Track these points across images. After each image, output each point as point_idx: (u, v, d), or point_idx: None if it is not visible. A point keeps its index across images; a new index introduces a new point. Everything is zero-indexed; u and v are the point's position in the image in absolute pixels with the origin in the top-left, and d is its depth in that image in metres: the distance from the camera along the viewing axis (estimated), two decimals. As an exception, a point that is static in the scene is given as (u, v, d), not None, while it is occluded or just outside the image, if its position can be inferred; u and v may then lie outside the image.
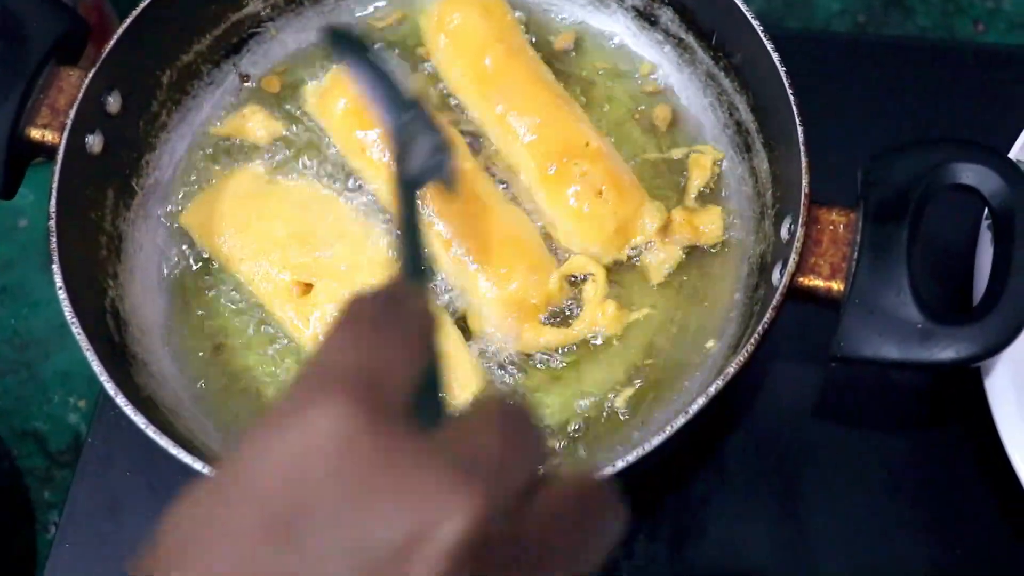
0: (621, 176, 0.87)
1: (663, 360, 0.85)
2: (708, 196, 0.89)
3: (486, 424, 0.43)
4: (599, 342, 0.85)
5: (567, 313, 0.86)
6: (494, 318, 0.85)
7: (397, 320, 0.45)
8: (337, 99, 0.91)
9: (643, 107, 0.93)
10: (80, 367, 0.98)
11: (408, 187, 0.70)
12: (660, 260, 0.87)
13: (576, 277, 0.87)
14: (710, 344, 0.85)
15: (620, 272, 0.87)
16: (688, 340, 0.85)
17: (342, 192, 0.91)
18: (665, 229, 0.87)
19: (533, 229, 0.88)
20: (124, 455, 0.90)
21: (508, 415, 0.44)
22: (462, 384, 0.83)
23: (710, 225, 0.87)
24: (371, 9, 0.98)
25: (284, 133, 0.93)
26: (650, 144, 0.92)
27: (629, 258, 0.87)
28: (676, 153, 0.91)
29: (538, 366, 0.85)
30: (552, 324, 0.86)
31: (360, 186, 0.91)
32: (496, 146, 0.91)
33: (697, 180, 0.89)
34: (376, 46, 0.94)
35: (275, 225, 0.88)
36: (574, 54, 0.96)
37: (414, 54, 0.95)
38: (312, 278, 0.86)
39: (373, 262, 0.86)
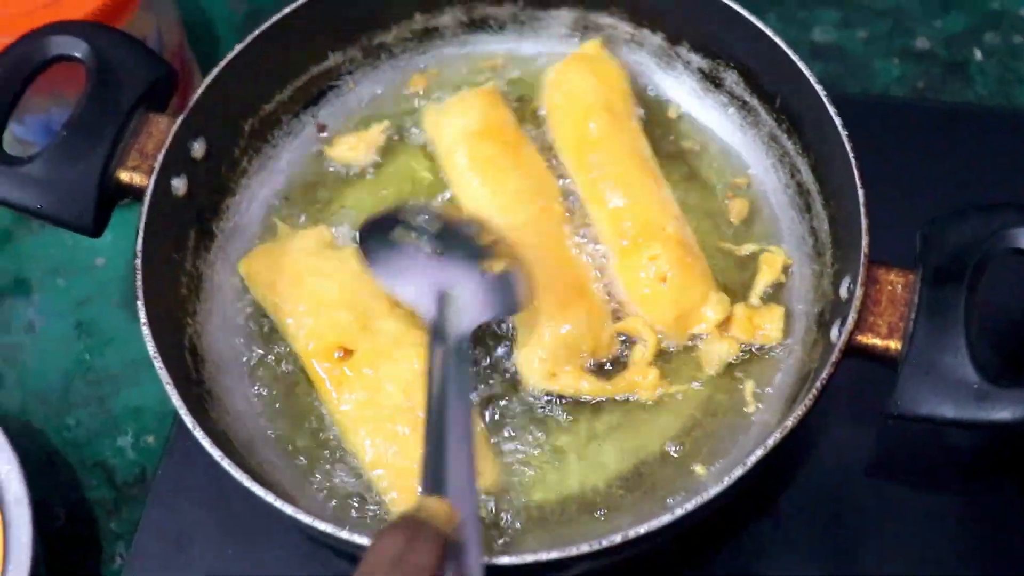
0: (691, 266, 0.89)
1: (703, 430, 0.86)
2: (771, 295, 0.90)
3: None
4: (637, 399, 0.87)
5: (608, 368, 0.88)
6: (542, 351, 0.87)
7: (411, 561, 0.63)
8: (453, 118, 0.95)
9: (728, 196, 0.95)
10: (150, 402, 1.01)
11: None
12: (716, 352, 0.88)
13: (627, 337, 0.89)
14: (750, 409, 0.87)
15: (673, 353, 0.89)
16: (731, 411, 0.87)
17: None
18: (726, 323, 0.88)
19: (598, 284, 0.90)
20: (193, 489, 0.92)
21: None
22: (480, 473, 0.83)
23: (771, 326, 0.88)
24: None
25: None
26: (726, 233, 0.94)
27: (687, 344, 0.89)
28: (747, 249, 0.92)
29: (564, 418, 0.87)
30: (592, 373, 0.87)
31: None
32: (585, 208, 0.93)
33: (765, 280, 0.90)
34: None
35: (329, 286, 0.90)
36: (682, 126, 0.98)
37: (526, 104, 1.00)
38: (354, 345, 0.88)
39: (415, 343, 0.87)
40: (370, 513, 0.84)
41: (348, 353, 0.87)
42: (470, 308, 0.84)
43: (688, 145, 0.98)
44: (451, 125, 0.96)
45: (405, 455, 0.84)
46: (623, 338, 0.88)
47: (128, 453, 1.00)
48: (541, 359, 0.86)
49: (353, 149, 0.98)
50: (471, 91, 0.98)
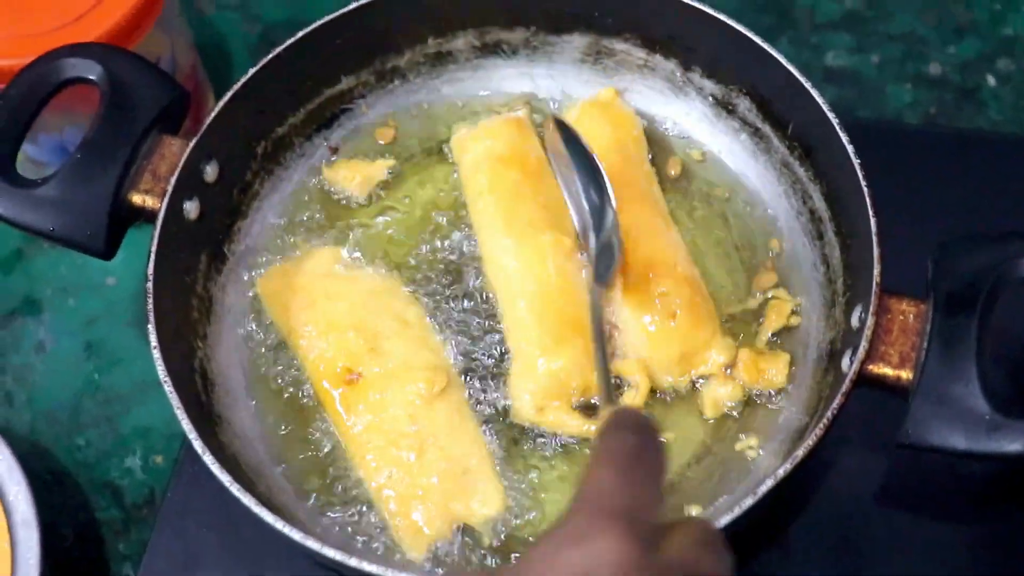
0: (699, 306, 0.89)
1: (701, 471, 0.86)
2: (776, 342, 0.90)
3: (693, 545, 0.56)
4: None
5: (597, 407, 0.87)
6: (532, 384, 0.87)
7: (646, 456, 0.59)
8: (481, 141, 0.96)
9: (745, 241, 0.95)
10: (159, 423, 1.01)
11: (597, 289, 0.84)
12: (718, 396, 0.88)
13: (621, 379, 0.88)
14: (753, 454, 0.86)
15: (672, 394, 0.89)
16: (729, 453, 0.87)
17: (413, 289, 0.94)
18: (730, 366, 0.88)
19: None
20: (202, 512, 0.92)
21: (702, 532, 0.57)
22: (484, 501, 0.84)
23: (775, 371, 0.88)
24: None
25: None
26: (738, 277, 0.94)
27: (691, 383, 0.88)
28: (754, 303, 0.92)
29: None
30: (580, 412, 0.87)
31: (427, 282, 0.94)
32: None
33: (772, 325, 0.90)
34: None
35: (339, 308, 0.91)
36: (698, 169, 0.99)
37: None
38: (361, 367, 0.88)
39: (423, 366, 0.88)
40: (376, 540, 0.84)
41: (358, 376, 0.88)
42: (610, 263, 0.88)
43: (699, 183, 0.98)
44: (478, 147, 0.96)
45: (410, 481, 0.84)
46: (616, 380, 0.88)
47: (137, 473, 1.00)
48: (532, 392, 0.87)
49: (348, 181, 0.98)
50: (502, 117, 0.99)
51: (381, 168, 0.99)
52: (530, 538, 0.84)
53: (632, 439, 0.59)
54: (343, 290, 0.92)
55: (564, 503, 0.84)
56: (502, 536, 0.84)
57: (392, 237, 0.97)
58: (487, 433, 0.87)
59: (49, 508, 0.89)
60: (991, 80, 1.12)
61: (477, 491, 0.85)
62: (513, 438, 0.88)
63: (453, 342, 0.91)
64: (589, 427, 0.86)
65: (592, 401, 0.87)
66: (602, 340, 0.81)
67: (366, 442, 0.86)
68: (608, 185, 0.88)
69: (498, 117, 0.99)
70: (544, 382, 0.86)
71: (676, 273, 0.89)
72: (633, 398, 0.87)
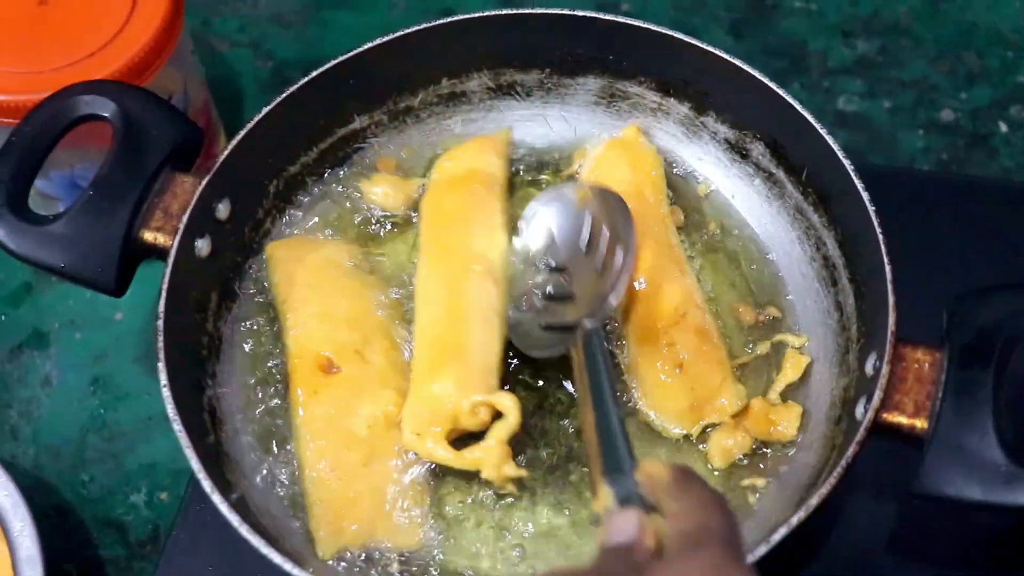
0: (708, 354, 0.88)
1: None
2: (788, 389, 0.90)
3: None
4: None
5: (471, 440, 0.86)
6: (411, 407, 0.86)
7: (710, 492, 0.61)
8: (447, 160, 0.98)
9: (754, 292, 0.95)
10: (165, 459, 1.00)
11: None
12: (727, 446, 0.87)
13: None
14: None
15: (681, 443, 0.88)
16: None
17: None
18: (740, 416, 0.87)
19: (495, 352, 0.88)
20: (207, 551, 0.91)
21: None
22: (402, 532, 0.84)
23: (786, 423, 0.87)
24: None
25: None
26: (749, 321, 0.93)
27: (702, 430, 0.88)
28: (763, 348, 0.92)
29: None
30: (454, 443, 0.85)
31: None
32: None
33: (787, 377, 0.89)
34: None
35: (342, 304, 0.91)
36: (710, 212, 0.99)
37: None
38: (343, 365, 0.88)
39: (397, 388, 0.88)
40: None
41: (337, 369, 0.88)
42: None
43: (713, 227, 0.98)
44: (440, 168, 0.98)
45: (348, 485, 0.85)
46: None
47: (141, 510, 0.99)
48: (410, 415, 0.85)
49: (388, 196, 0.98)
50: (479, 137, 0.99)
51: (415, 186, 0.99)
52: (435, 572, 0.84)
53: (698, 483, 0.61)
54: (352, 287, 0.93)
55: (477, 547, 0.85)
56: (413, 566, 0.84)
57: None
58: (420, 466, 0.87)
59: (52, 545, 0.88)
60: (1003, 127, 1.13)
61: (401, 520, 0.84)
62: (440, 472, 0.87)
63: None
64: (453, 458, 0.84)
65: (467, 432, 0.86)
66: (615, 391, 0.77)
67: (318, 431, 0.86)
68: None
69: (475, 137, 0.99)
70: (416, 408, 0.85)
71: (684, 322, 0.89)
72: (501, 430, 0.84)
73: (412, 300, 0.93)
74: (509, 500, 0.86)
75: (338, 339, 0.89)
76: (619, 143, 0.98)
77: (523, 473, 0.85)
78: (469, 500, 0.87)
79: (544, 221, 0.92)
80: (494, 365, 0.88)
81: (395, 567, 0.84)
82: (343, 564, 0.83)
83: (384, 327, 0.92)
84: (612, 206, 0.89)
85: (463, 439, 0.86)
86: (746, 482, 0.86)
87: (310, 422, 0.87)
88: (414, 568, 0.84)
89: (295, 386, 0.89)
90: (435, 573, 0.84)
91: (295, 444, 0.88)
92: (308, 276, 0.92)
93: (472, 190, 0.95)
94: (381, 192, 0.98)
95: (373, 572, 0.83)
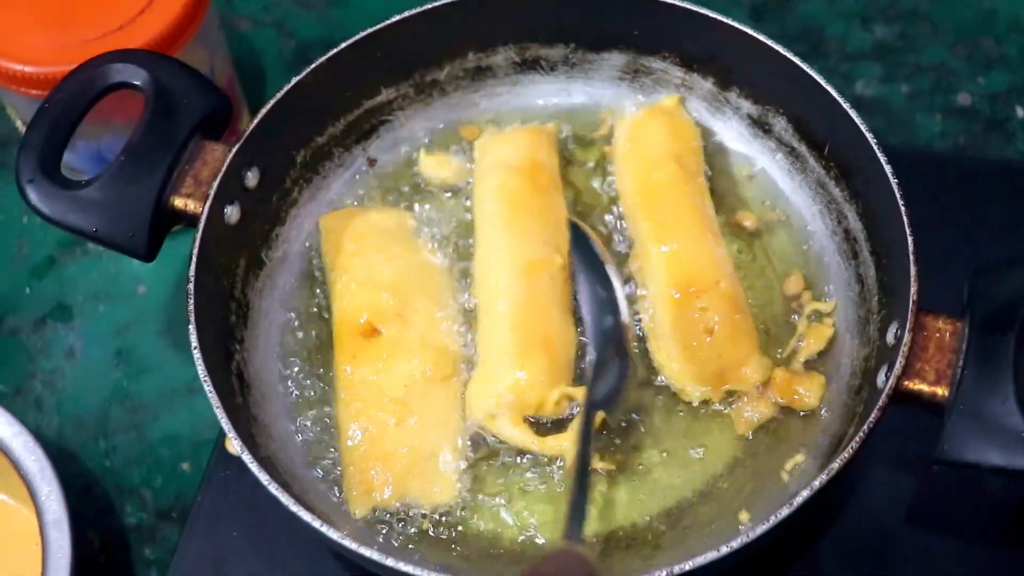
0: (738, 323, 0.89)
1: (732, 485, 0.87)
2: (811, 360, 0.91)
3: None
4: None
5: (548, 426, 0.88)
6: (489, 389, 0.87)
7: None
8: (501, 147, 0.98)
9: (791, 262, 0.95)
10: (187, 431, 1.01)
11: (590, 409, 0.83)
12: (750, 414, 0.88)
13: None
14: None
15: (704, 409, 0.89)
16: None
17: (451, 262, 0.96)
18: (765, 384, 0.88)
19: (573, 346, 0.90)
20: (231, 516, 0.92)
21: None
22: (438, 489, 0.86)
23: (809, 392, 0.88)
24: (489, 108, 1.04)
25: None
26: (773, 295, 0.94)
27: (725, 396, 0.89)
28: (802, 324, 0.92)
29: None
30: (531, 425, 0.87)
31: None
32: (639, 258, 0.94)
33: (812, 348, 0.90)
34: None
35: (386, 268, 0.93)
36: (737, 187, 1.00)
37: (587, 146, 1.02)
38: (384, 327, 0.90)
39: (436, 347, 0.90)
40: (396, 535, 0.85)
41: (375, 332, 0.90)
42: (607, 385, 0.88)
43: (740, 205, 0.99)
44: (498, 152, 0.98)
45: (381, 443, 0.86)
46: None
47: (163, 480, 1.00)
48: (487, 396, 0.87)
49: (443, 167, 1.00)
50: (529, 126, 0.99)
51: (464, 164, 1.00)
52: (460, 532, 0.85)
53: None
54: (396, 253, 0.94)
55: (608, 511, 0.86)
56: (440, 526, 0.85)
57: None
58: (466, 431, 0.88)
59: (76, 513, 0.89)
60: (1020, 112, 1.13)
61: (436, 478, 0.86)
62: (485, 442, 0.88)
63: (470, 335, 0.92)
64: (534, 442, 0.86)
65: (544, 420, 0.88)
66: (585, 466, 0.81)
67: (358, 393, 0.88)
68: (619, 295, 0.90)
69: (524, 127, 1.00)
70: (500, 390, 0.86)
71: (718, 289, 0.89)
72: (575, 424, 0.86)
73: (460, 264, 0.95)
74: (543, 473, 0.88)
75: (379, 303, 0.91)
76: (659, 110, 0.99)
77: (611, 466, 0.86)
78: (498, 464, 0.88)
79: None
80: (572, 359, 0.89)
81: (426, 524, 0.85)
82: (372, 523, 0.85)
83: (428, 290, 0.93)
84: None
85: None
86: (776, 461, 0.87)
87: (349, 386, 0.89)
88: (441, 528, 0.85)
89: (338, 352, 0.90)
90: (460, 530, 0.85)
91: (334, 407, 0.89)
92: (354, 243, 0.94)
93: (540, 182, 0.96)
94: (434, 163, 1.00)
95: (402, 528, 0.85)
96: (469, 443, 0.88)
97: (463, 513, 0.86)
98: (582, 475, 0.80)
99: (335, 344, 0.91)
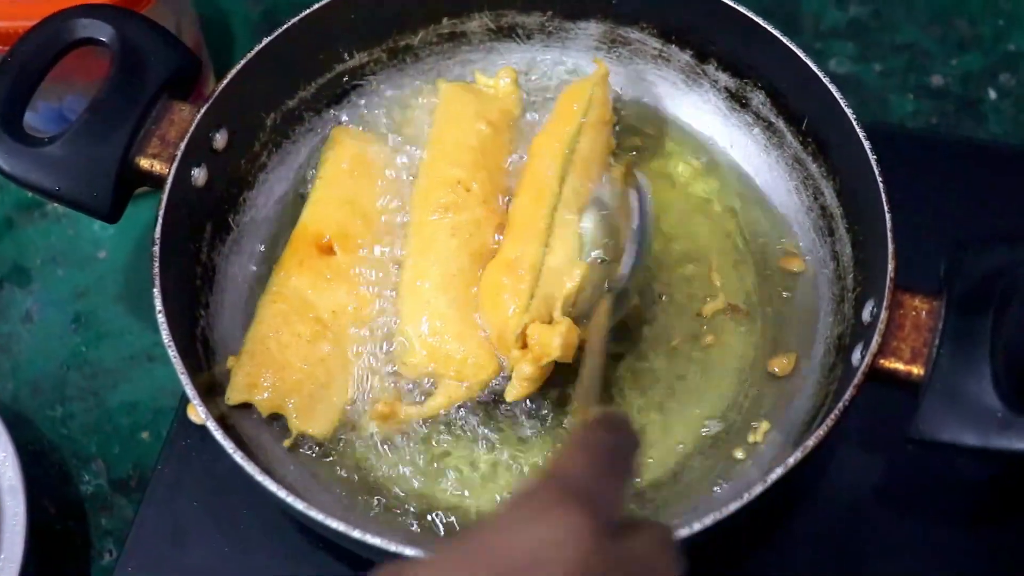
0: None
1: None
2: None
3: (651, 543, 0.57)
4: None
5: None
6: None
7: (623, 456, 0.59)
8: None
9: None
10: (146, 398, 1.00)
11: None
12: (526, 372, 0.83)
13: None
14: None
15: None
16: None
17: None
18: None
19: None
20: (191, 485, 0.91)
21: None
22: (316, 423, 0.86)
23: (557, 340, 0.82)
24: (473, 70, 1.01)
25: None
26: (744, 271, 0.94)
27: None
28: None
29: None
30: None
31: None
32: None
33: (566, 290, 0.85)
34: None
35: (369, 200, 0.92)
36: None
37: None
38: (340, 249, 0.90)
39: (373, 282, 0.89)
40: (374, 509, 0.85)
41: (330, 251, 0.90)
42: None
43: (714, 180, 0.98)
44: (460, 99, 0.95)
45: (286, 352, 0.86)
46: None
47: (121, 449, 0.98)
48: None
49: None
50: (492, 79, 0.98)
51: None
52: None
53: (613, 438, 0.60)
54: (387, 186, 0.93)
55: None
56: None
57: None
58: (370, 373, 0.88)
59: (31, 481, 0.87)
60: (992, 94, 1.13)
61: (318, 407, 0.86)
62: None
63: None
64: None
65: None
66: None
67: (287, 297, 0.88)
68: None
69: (488, 79, 0.98)
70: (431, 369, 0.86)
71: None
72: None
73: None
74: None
75: (348, 228, 0.90)
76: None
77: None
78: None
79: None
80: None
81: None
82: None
83: (393, 235, 0.91)
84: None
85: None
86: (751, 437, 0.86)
87: (283, 287, 0.89)
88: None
89: (287, 255, 0.90)
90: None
91: (261, 298, 0.89)
92: (352, 163, 0.93)
93: (489, 129, 0.94)
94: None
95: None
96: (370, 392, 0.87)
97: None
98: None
99: (287, 247, 0.91)
